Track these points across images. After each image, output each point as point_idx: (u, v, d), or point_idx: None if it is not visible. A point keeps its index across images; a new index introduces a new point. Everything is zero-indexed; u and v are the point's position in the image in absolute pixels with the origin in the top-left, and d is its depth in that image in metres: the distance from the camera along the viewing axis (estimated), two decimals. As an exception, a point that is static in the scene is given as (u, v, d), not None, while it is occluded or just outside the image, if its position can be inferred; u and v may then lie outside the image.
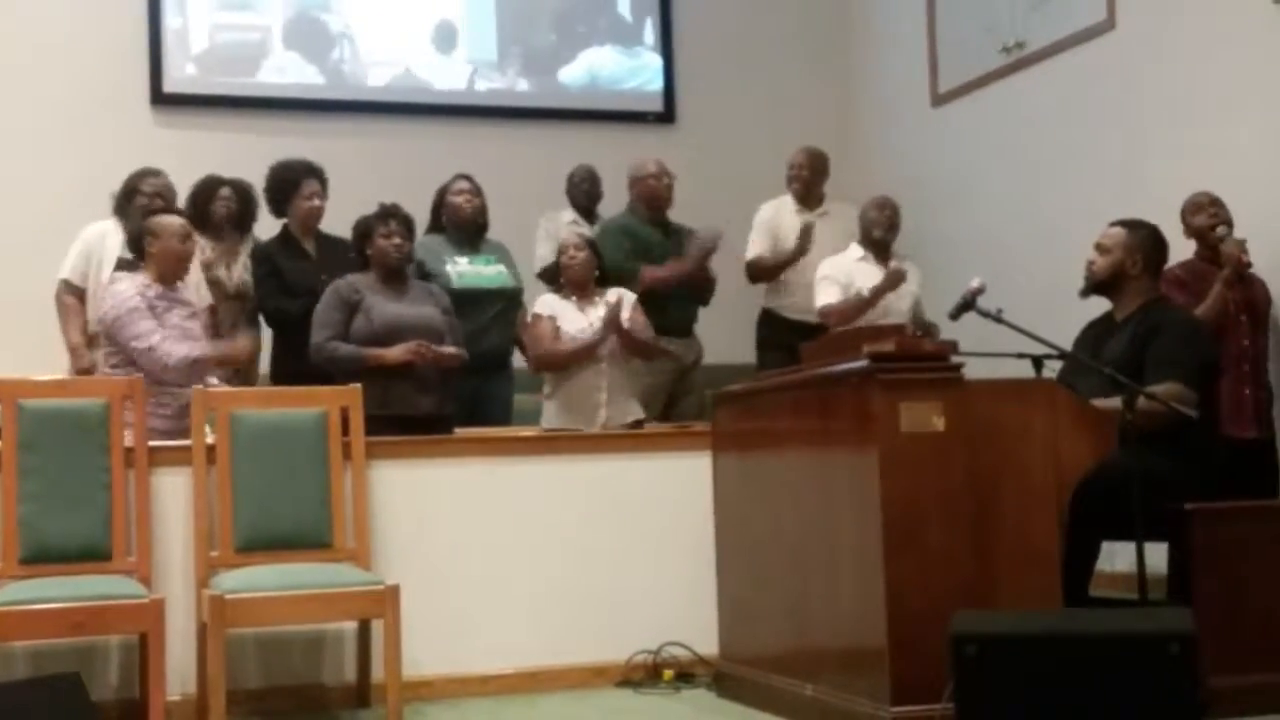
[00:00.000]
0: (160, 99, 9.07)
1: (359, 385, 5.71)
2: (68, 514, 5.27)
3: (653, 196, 7.57)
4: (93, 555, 5.26)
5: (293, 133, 8.66)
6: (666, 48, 10.05)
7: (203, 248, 6.92)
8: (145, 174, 6.91)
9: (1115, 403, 4.84)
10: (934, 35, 9.17)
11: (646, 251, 7.32)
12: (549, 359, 6.58)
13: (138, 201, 6.73)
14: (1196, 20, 7.12)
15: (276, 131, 8.71)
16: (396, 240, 6.25)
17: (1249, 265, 6.19)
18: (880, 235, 7.31)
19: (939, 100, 9.16)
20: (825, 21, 10.19)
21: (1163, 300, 5.61)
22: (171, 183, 6.95)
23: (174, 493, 5.52)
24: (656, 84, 10.04)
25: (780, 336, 7.55)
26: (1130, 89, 7.50)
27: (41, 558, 5.21)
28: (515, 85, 9.85)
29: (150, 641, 4.98)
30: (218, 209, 7.15)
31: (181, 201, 6.95)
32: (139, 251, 6.10)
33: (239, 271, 7.10)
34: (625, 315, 6.51)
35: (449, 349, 6.20)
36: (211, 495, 5.45)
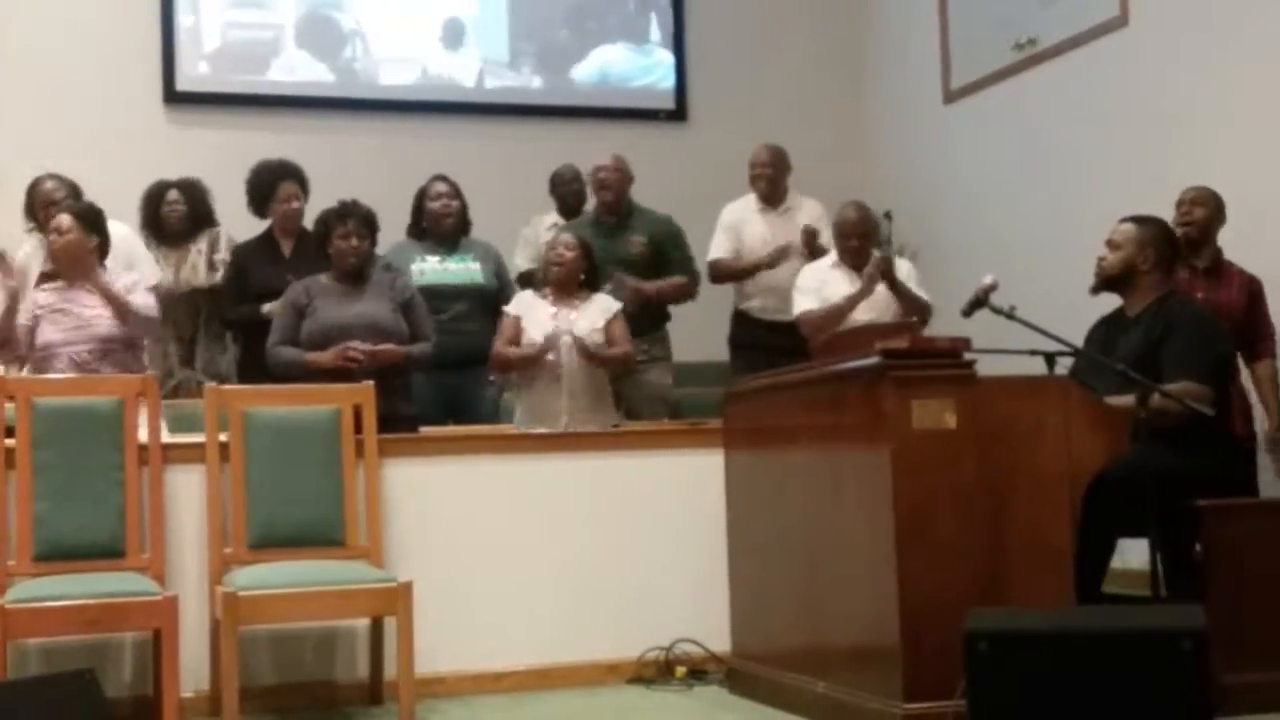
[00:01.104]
0: (173, 97, 9.12)
1: (372, 383, 5.72)
2: (81, 511, 5.29)
3: (597, 192, 7.54)
4: (106, 552, 5.27)
5: (305, 130, 8.70)
6: (678, 45, 10.06)
7: (156, 258, 6.97)
8: (33, 184, 6.86)
9: (1129, 400, 4.84)
10: (946, 32, 9.18)
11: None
12: (496, 359, 6.63)
13: (39, 215, 6.70)
14: (1209, 16, 7.12)
15: (289, 129, 8.75)
16: (354, 241, 6.15)
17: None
18: (856, 246, 6.94)
19: (951, 97, 9.16)
20: (837, 18, 10.20)
21: (1175, 296, 5.60)
22: (64, 180, 6.81)
23: (187, 490, 5.53)
24: (668, 82, 10.05)
25: (753, 336, 7.51)
26: (1142, 85, 7.49)
27: (55, 555, 5.22)
28: (527, 83, 9.87)
29: (164, 638, 5.00)
30: (168, 214, 7.18)
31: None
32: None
33: (186, 272, 7.16)
34: (600, 325, 6.47)
35: (385, 346, 6.06)
36: (225, 492, 5.47)
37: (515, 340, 6.50)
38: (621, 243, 7.38)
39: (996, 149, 8.67)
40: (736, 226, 7.69)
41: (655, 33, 10.09)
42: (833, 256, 7.07)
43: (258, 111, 9.14)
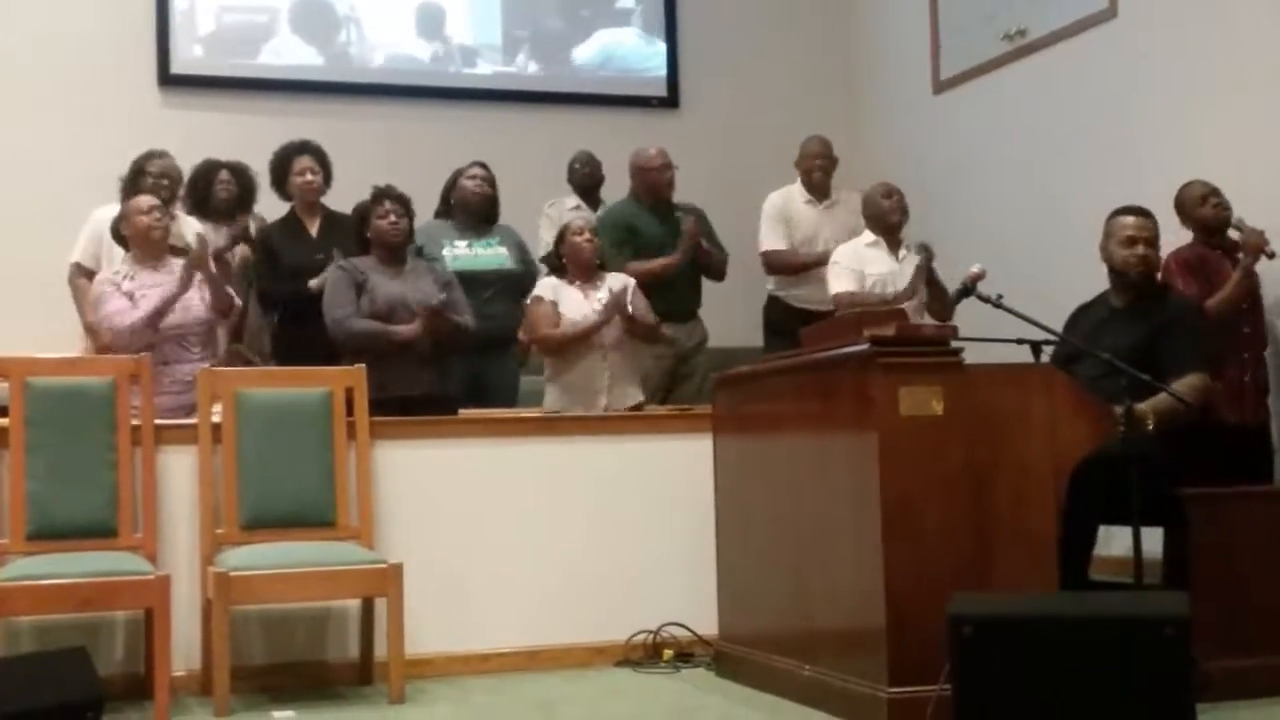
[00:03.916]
0: (167, 80, 9.10)
1: (363, 365, 5.76)
2: (74, 491, 5.33)
3: (654, 188, 7.55)
4: (99, 532, 5.31)
5: (299, 114, 8.70)
6: (670, 33, 10.06)
7: (204, 232, 7.00)
8: (151, 155, 6.91)
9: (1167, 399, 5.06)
10: (936, 22, 9.19)
11: (643, 239, 7.31)
12: (545, 342, 6.62)
13: (143, 183, 6.74)
14: (1197, 8, 7.14)
15: (283, 113, 8.75)
16: (393, 219, 6.32)
17: (1273, 254, 6.21)
18: (897, 220, 7.08)
19: (940, 87, 9.18)
20: (828, 7, 10.21)
21: (1167, 288, 5.64)
22: (177, 164, 6.95)
23: (180, 471, 5.57)
24: (660, 69, 10.06)
25: (788, 324, 7.51)
26: (1131, 77, 7.52)
27: (48, 534, 5.26)
28: (520, 69, 9.87)
29: (156, 617, 5.04)
30: (218, 192, 7.22)
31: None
32: (121, 240, 6.19)
33: (240, 248, 7.19)
34: (627, 300, 6.54)
35: (456, 318, 6.28)
36: (217, 473, 5.50)
37: (556, 325, 6.56)
38: (675, 226, 7.43)
39: (985, 139, 8.69)
40: (784, 217, 7.74)
41: (647, 20, 10.09)
42: (869, 235, 7.10)
43: (252, 95, 9.13)
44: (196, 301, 6.11)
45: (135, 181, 6.76)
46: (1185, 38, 7.19)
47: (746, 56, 9.99)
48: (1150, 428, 4.91)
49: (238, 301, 6.37)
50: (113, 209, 6.73)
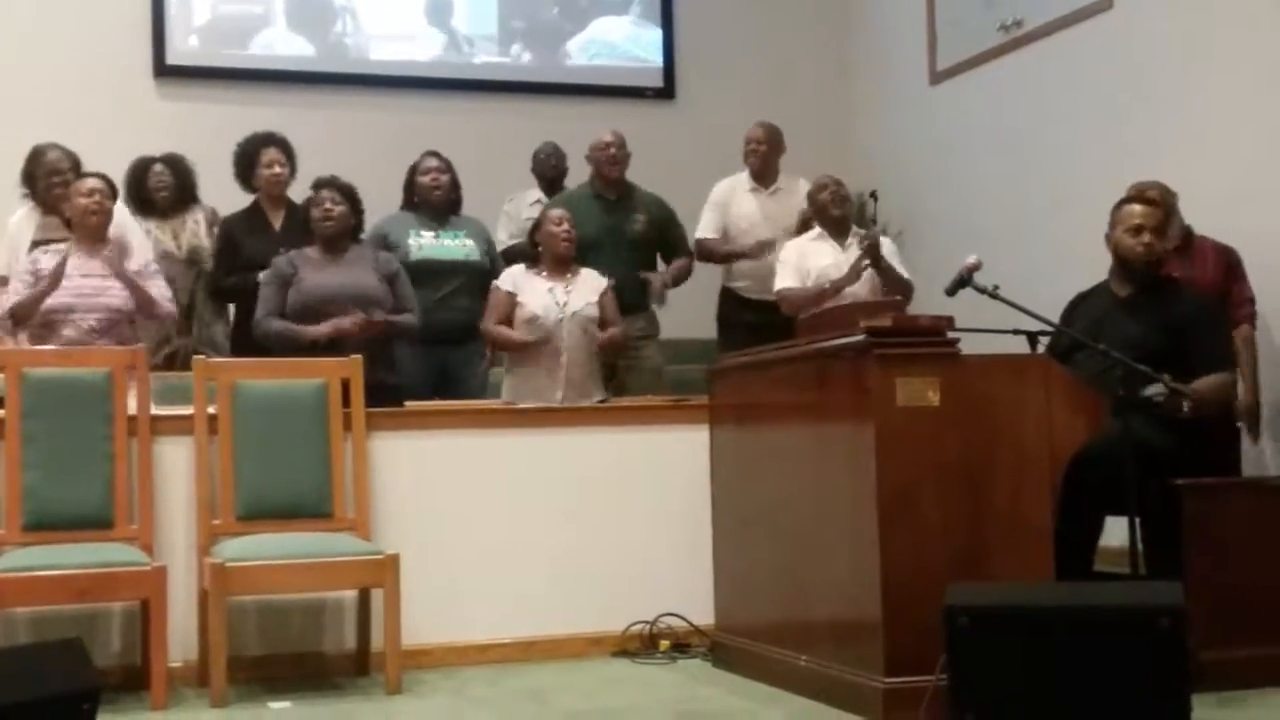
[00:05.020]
0: (163, 71, 9.12)
1: (359, 357, 5.75)
2: (70, 482, 5.33)
3: (597, 169, 7.52)
4: (95, 523, 5.32)
5: (294, 105, 8.72)
6: (667, 23, 10.07)
7: (148, 229, 6.99)
8: (37, 152, 6.81)
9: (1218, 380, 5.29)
10: (933, 13, 9.19)
11: (584, 223, 7.06)
12: (489, 336, 6.65)
13: (39, 184, 6.70)
14: (1193, 0, 7.15)
15: (278, 104, 8.76)
16: (325, 207, 6.25)
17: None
18: (837, 213, 6.99)
19: (937, 78, 9.18)
20: (825, -2, 10.23)
21: (1173, 280, 5.64)
22: (67, 152, 6.77)
23: (176, 462, 5.56)
24: (656, 59, 10.07)
25: (739, 315, 7.54)
26: (1127, 68, 7.52)
27: (44, 525, 5.26)
28: (516, 59, 9.88)
29: (152, 608, 5.05)
30: (155, 187, 7.20)
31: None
32: (69, 224, 6.16)
33: (187, 238, 7.18)
34: (594, 300, 6.51)
35: (380, 316, 6.14)
36: (213, 464, 5.50)
37: (507, 316, 6.50)
38: (625, 220, 7.41)
39: (982, 130, 8.70)
40: (724, 205, 7.71)
41: (644, 10, 10.10)
42: (816, 229, 7.08)
43: (248, 86, 9.15)
44: (113, 288, 6.01)
45: (30, 183, 6.75)
46: (1181, 29, 7.19)
47: (743, 47, 10.01)
48: (1185, 409, 5.09)
49: (163, 304, 6.23)
50: (20, 211, 6.72)
